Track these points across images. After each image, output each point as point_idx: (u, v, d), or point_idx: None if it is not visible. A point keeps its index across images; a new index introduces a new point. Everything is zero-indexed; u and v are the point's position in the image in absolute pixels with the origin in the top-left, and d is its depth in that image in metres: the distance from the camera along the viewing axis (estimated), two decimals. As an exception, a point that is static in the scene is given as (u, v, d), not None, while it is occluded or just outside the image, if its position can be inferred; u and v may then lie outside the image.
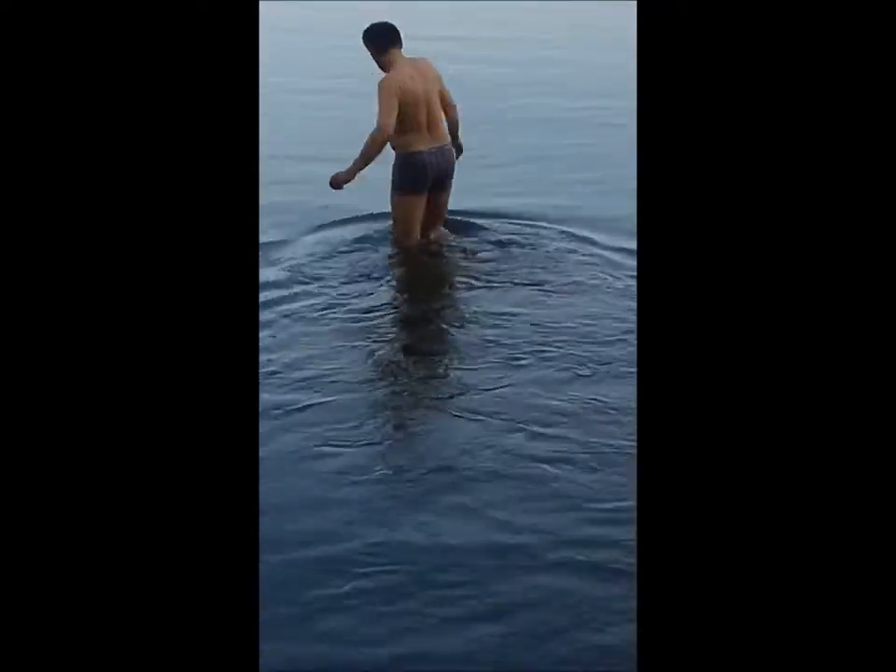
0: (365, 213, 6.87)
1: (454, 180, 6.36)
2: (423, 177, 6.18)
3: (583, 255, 6.46)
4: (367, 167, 6.05)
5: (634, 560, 2.31)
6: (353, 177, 6.12)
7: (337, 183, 6.18)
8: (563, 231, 6.86)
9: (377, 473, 3.91)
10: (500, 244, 6.63)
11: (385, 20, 6.24)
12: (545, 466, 3.94)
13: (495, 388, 4.63)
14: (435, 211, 6.42)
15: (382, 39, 6.13)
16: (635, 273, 5.80)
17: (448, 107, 6.26)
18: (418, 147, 6.13)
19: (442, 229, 6.60)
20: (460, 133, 6.38)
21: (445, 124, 6.24)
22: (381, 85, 6.02)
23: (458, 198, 6.62)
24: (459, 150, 6.41)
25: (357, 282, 5.93)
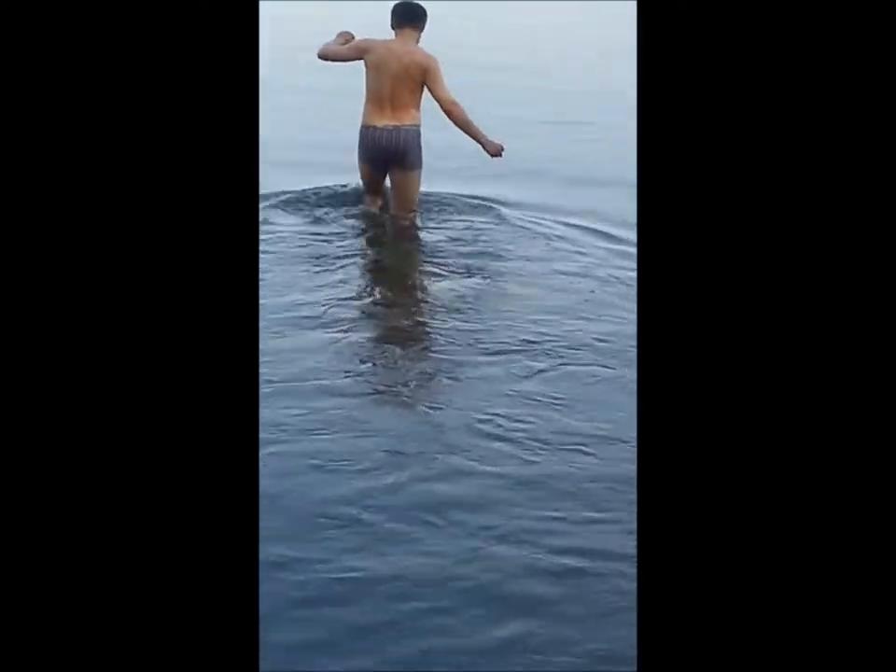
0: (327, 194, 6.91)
1: (413, 162, 6.39)
2: (369, 150, 6.39)
3: (565, 242, 6.29)
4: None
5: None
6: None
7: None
8: (547, 220, 6.72)
9: (349, 469, 3.58)
10: (475, 229, 6.50)
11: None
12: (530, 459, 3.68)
13: (463, 379, 4.37)
14: (397, 191, 6.53)
15: (393, 15, 6.41)
16: (619, 265, 5.79)
17: (444, 104, 6.27)
18: (371, 122, 6.35)
19: (411, 213, 6.56)
20: (480, 132, 6.33)
21: (417, 112, 6.37)
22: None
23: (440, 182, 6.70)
24: (490, 150, 6.35)
25: (326, 270, 5.69)
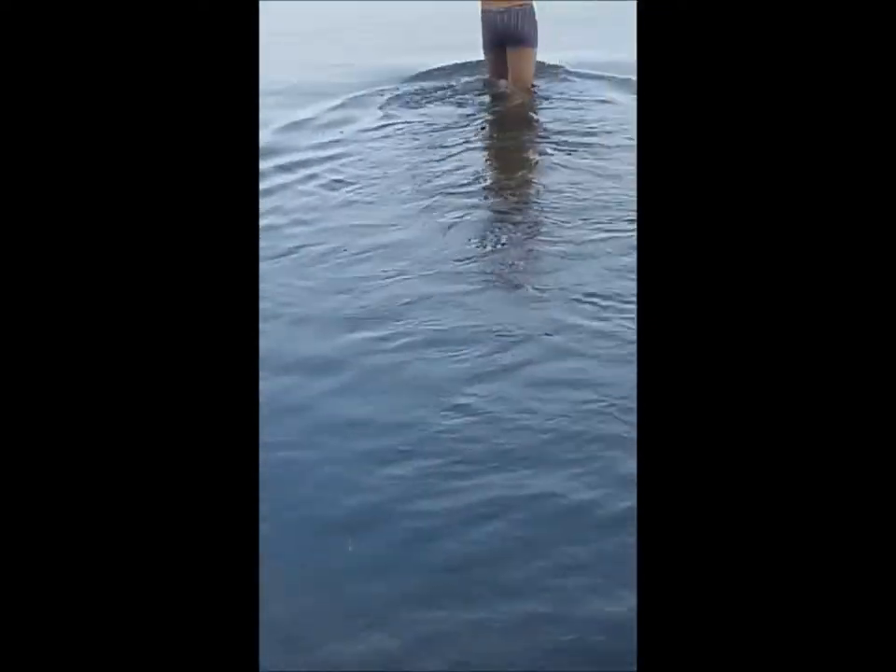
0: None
1: (529, 39, 6.66)
2: (488, 33, 6.72)
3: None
4: None
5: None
6: None
7: None
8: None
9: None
10: (586, 104, 6.70)
11: None
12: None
13: (567, 258, 4.53)
14: (513, 68, 6.81)
15: None
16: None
17: None
18: (487, 6, 6.67)
19: (527, 89, 6.83)
20: None
21: None
22: None
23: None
24: None
25: (443, 156, 5.97)
